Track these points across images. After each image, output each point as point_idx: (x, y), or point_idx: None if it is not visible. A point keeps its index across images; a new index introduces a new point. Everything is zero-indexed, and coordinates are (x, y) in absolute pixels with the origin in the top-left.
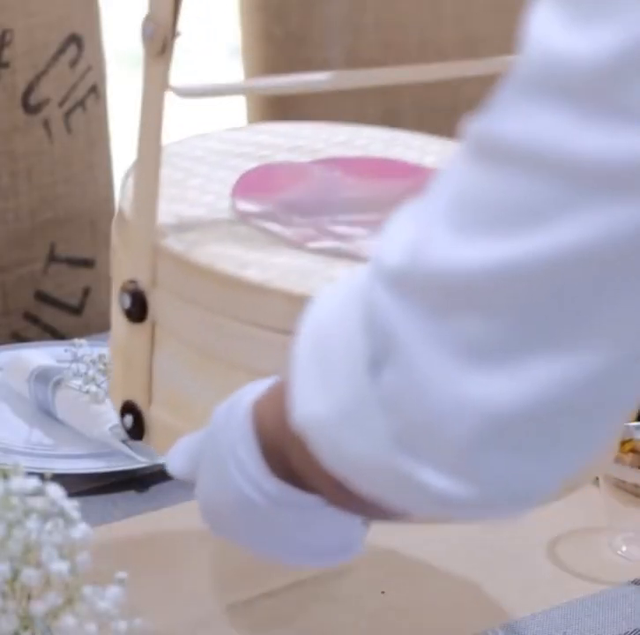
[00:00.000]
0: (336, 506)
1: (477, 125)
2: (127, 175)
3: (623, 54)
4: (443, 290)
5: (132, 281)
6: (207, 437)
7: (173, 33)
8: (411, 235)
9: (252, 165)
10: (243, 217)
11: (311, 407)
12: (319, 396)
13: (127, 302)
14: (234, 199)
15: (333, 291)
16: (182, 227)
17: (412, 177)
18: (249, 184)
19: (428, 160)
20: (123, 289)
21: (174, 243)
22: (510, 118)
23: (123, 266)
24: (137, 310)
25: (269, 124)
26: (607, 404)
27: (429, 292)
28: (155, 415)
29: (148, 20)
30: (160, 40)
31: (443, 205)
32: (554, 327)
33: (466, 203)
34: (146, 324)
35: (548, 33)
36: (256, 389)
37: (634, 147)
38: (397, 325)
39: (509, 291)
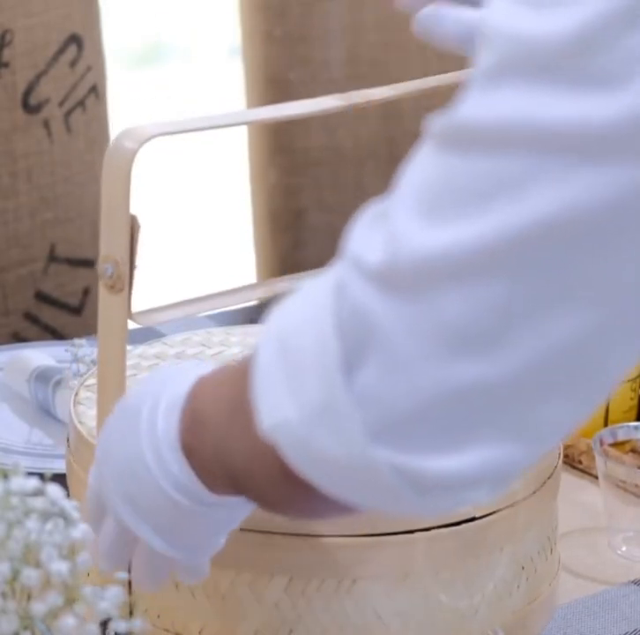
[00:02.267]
0: (271, 508)
1: (442, 120)
2: (75, 402)
3: (586, 29)
4: (421, 277)
5: None
6: (120, 428)
7: (131, 269)
8: (385, 230)
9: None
10: None
11: (280, 413)
12: (288, 401)
13: None
14: None
15: (297, 298)
16: None
17: None
18: None
19: None
20: None
21: None
22: (475, 105)
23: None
24: None
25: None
26: (596, 367)
27: (409, 282)
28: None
29: (105, 260)
30: (120, 278)
31: (412, 197)
32: (534, 299)
33: (434, 190)
34: None
35: (513, 20)
36: (176, 391)
37: (598, 113)
38: (379, 318)
39: (484, 268)
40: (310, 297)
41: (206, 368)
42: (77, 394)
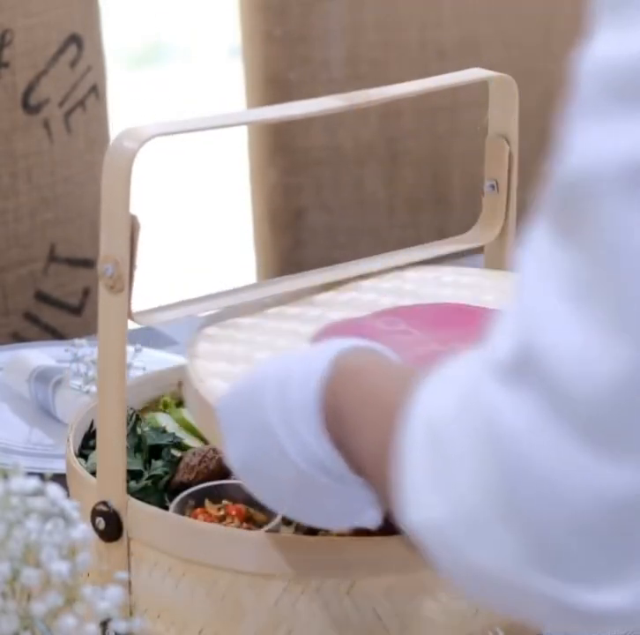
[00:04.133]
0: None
1: (558, 179)
2: (191, 355)
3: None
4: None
5: (103, 503)
6: (242, 402)
7: (131, 269)
8: (522, 331)
9: (309, 328)
10: None
11: (428, 511)
12: (437, 499)
13: (101, 523)
14: None
15: (444, 383)
16: None
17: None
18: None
19: (488, 299)
20: (95, 513)
21: None
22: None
23: (90, 491)
24: (112, 530)
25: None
26: None
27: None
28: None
29: (105, 260)
30: (120, 278)
31: (553, 296)
32: None
33: (580, 289)
34: (121, 542)
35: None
36: (309, 368)
37: None
38: (518, 430)
39: None
40: (457, 390)
41: (342, 342)
42: (194, 346)
